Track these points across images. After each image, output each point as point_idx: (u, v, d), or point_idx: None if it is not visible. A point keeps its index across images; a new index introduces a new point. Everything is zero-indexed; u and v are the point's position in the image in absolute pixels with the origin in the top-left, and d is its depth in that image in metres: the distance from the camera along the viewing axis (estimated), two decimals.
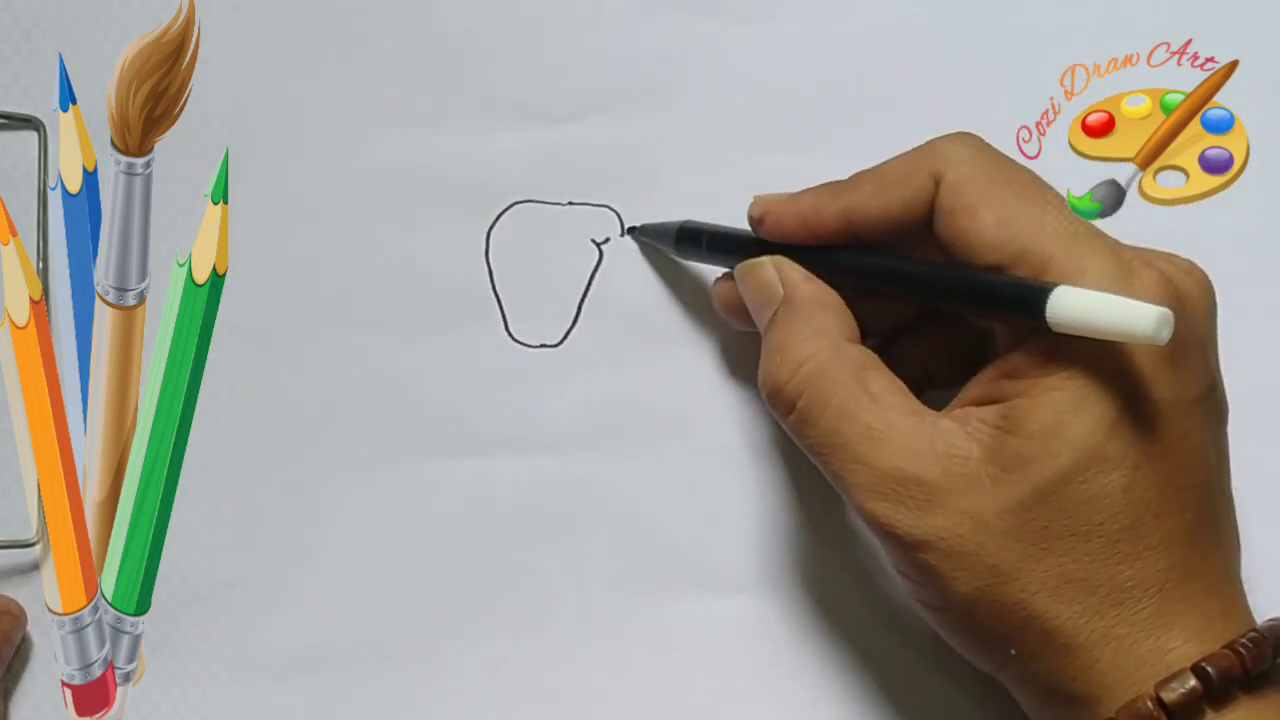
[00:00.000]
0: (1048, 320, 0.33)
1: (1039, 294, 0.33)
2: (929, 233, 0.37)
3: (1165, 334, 0.32)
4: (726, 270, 0.42)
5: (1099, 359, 0.34)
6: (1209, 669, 0.33)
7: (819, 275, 0.38)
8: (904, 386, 0.37)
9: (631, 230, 0.44)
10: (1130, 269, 0.34)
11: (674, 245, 0.43)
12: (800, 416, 0.37)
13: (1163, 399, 0.34)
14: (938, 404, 0.37)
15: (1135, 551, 0.34)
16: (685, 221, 0.42)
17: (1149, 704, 0.33)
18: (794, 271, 0.39)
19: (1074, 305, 0.33)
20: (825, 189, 0.39)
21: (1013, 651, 0.35)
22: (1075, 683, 0.34)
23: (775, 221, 0.39)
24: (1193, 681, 0.33)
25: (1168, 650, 0.33)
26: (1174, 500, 0.34)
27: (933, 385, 0.39)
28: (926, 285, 0.37)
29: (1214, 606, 0.34)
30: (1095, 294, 0.32)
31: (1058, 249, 0.34)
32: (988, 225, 0.35)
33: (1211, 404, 0.35)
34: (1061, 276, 0.34)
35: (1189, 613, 0.34)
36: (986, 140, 0.37)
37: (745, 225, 0.42)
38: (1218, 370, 0.36)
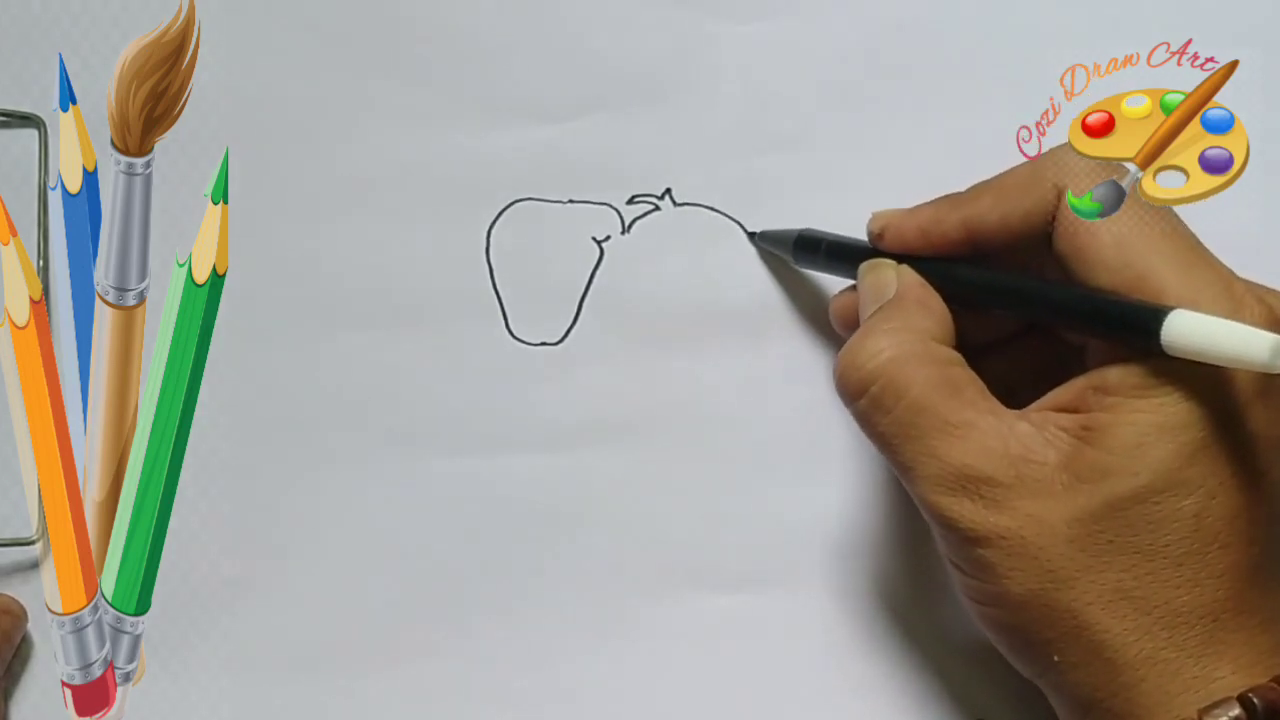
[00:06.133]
0: (1162, 342, 0.32)
1: (1154, 316, 0.33)
2: (1045, 248, 0.36)
3: None
4: (848, 285, 0.41)
5: (1195, 387, 0.33)
6: (1255, 700, 0.32)
7: (935, 287, 0.38)
8: (984, 387, 0.36)
9: (752, 235, 0.43)
10: (1241, 303, 0.34)
11: (792, 252, 0.42)
12: (872, 402, 0.36)
13: (1250, 433, 0.34)
14: None
15: (1196, 578, 0.33)
16: (804, 230, 0.42)
17: None
18: (912, 276, 0.38)
19: (1190, 329, 0.32)
20: (944, 201, 0.39)
21: (1056, 658, 0.34)
22: (1116, 699, 0.34)
23: (896, 235, 0.39)
24: (1237, 710, 0.32)
25: (1213, 679, 0.33)
26: (1243, 533, 0.34)
27: (1012, 403, 0.38)
28: (1042, 301, 0.36)
29: (1265, 642, 0.34)
30: (1211, 319, 0.32)
31: (1173, 277, 0.34)
32: (1107, 245, 0.35)
33: None
34: (1174, 304, 0.33)
35: (1240, 645, 0.33)
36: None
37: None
38: None
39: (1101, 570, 0.33)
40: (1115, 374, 0.34)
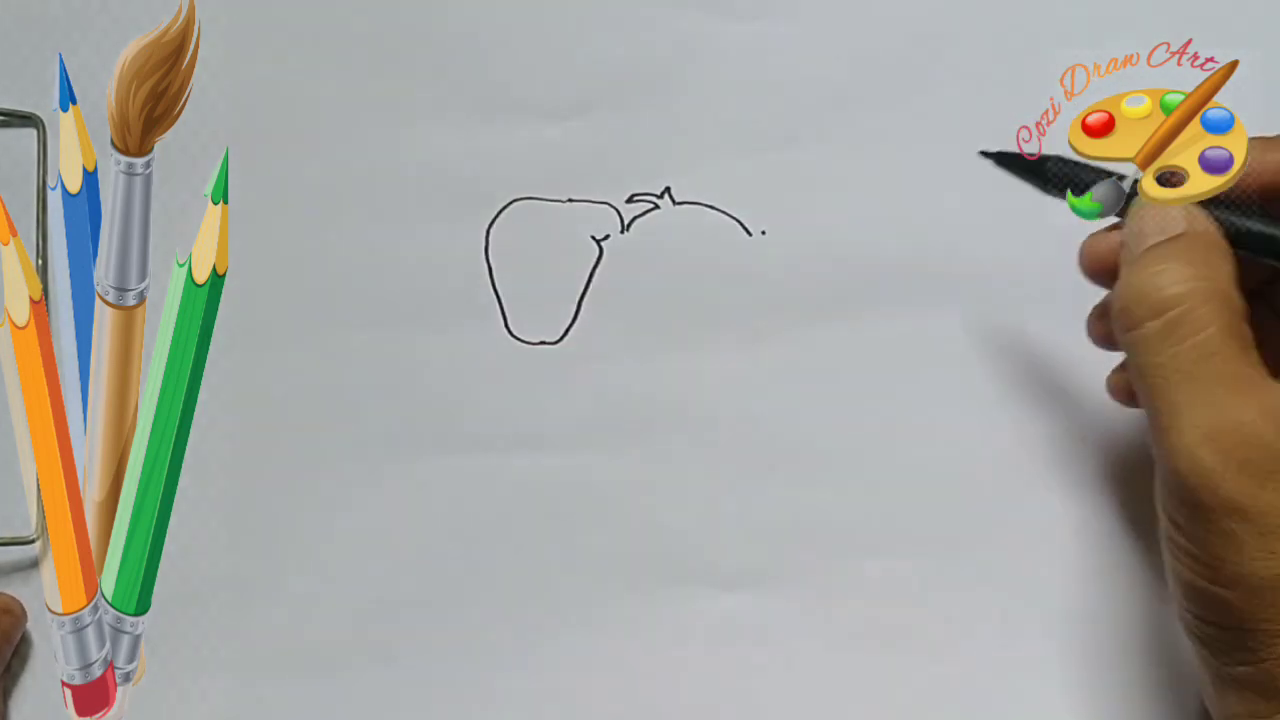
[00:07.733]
0: None
1: None
2: None
3: None
4: (1102, 227, 0.38)
5: None
6: None
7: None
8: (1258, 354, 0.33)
9: (988, 155, 0.39)
10: None
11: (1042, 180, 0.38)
12: (1168, 328, 0.33)
13: None
14: None
15: None
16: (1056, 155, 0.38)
17: None
18: (1203, 217, 0.35)
19: None
20: (1257, 142, 0.36)
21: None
22: None
23: None
24: None
25: None
26: None
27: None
28: None
29: None
30: None
31: None
32: None
33: None
34: None
35: None
36: None
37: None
38: None
39: None
40: None
